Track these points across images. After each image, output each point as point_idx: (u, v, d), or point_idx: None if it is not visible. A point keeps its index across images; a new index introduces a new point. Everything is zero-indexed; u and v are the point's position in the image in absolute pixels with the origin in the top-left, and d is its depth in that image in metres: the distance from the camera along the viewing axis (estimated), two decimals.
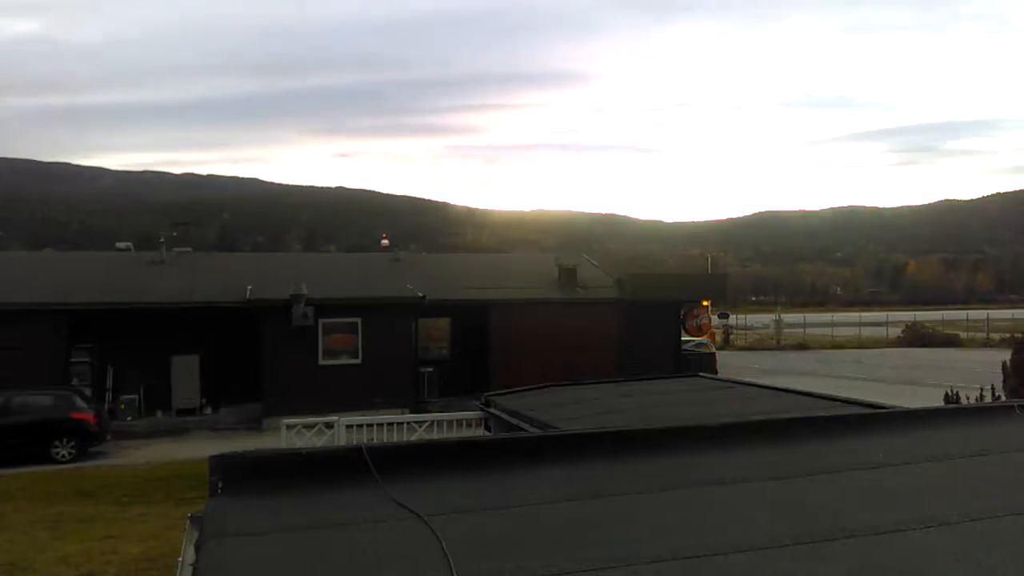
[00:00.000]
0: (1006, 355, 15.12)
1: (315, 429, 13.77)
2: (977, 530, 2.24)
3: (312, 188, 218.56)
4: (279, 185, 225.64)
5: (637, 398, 7.64)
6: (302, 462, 2.71)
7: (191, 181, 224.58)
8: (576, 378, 10.43)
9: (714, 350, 32.01)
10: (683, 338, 28.28)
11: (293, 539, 2.20)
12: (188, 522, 2.37)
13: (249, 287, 22.57)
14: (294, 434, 13.60)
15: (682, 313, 28.03)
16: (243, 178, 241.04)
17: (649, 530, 2.28)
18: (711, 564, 2.01)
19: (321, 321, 22.27)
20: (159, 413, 22.39)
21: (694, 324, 28.95)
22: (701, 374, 10.06)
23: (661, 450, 3.04)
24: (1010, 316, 57.38)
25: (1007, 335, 37.55)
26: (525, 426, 6.88)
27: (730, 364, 31.42)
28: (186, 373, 22.61)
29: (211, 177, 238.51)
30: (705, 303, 29.43)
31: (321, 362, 22.52)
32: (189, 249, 28.79)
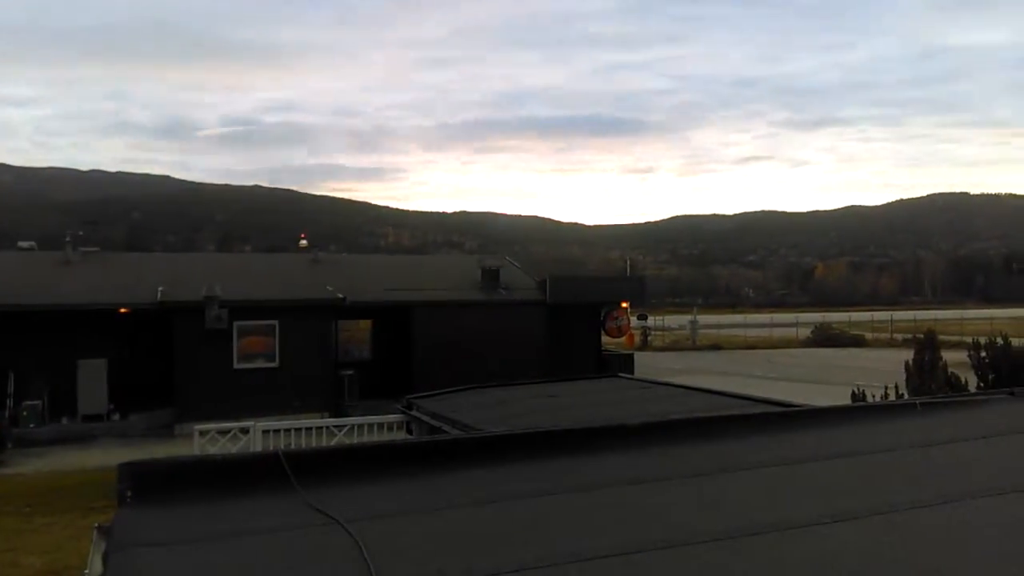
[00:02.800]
0: (909, 355, 15.79)
1: (229, 435, 13.41)
2: (883, 523, 2.33)
3: (227, 187, 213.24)
4: (192, 183, 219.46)
5: (559, 399, 7.71)
6: (216, 469, 2.63)
7: (98, 178, 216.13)
8: (499, 380, 10.46)
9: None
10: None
11: (207, 549, 2.13)
12: (95, 532, 2.28)
13: (160, 288, 21.90)
14: (207, 440, 13.22)
15: (602, 315, 28.44)
16: (154, 175, 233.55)
17: (570, 530, 2.30)
18: (630, 562, 2.04)
19: (236, 323, 21.75)
20: (64, 420, 21.47)
21: (614, 325, 29.40)
22: (621, 374, 10.22)
23: (582, 450, 3.06)
24: (912, 317, 60.08)
25: (909, 336, 39.20)
26: (447, 428, 6.86)
27: (648, 364, 32.00)
28: (93, 378, 21.73)
29: (120, 174, 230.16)
30: (624, 305, 29.90)
31: (236, 366, 21.98)
32: (96, 249, 27.73)
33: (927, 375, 14.79)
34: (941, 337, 16.90)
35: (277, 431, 13.53)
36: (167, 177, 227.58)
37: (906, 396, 13.22)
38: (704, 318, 61.31)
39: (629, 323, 32.25)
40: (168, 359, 21.65)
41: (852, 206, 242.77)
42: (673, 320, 62.55)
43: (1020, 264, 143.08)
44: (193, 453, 11.93)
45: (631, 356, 30.24)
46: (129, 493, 2.42)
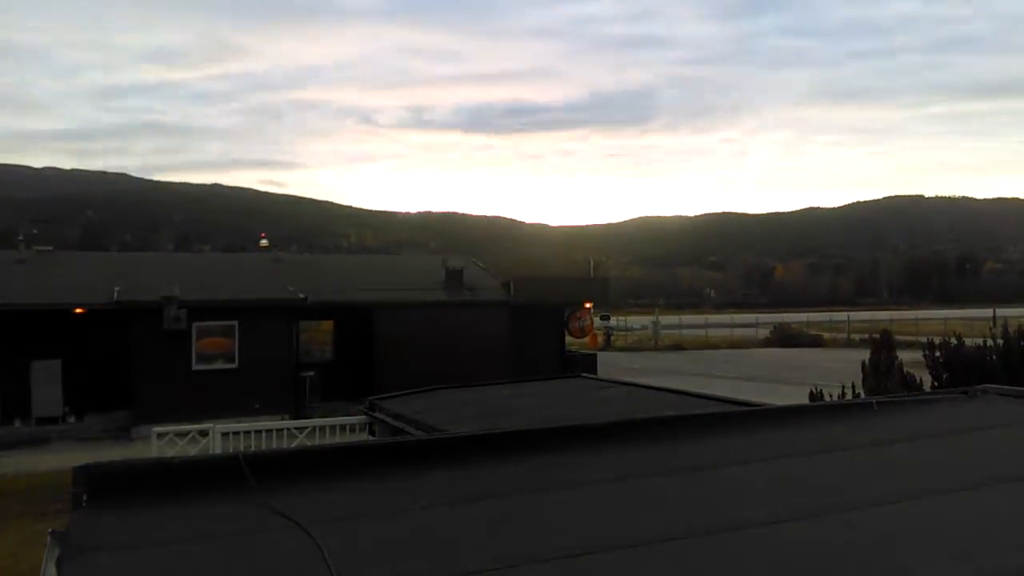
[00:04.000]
0: (865, 355, 16.04)
1: (188, 437, 13.21)
2: (841, 522, 2.37)
3: (185, 185, 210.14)
4: (149, 181, 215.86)
5: (523, 399, 7.72)
6: (174, 472, 2.59)
7: (52, 175, 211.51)
8: (463, 380, 10.43)
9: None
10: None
11: (165, 553, 2.09)
12: (49, 538, 2.22)
13: (117, 288, 21.51)
14: (165, 443, 13.01)
15: (566, 315, 28.55)
16: (110, 173, 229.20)
17: (533, 531, 2.30)
18: (591, 563, 2.04)
19: (195, 324, 21.45)
20: (17, 422, 20.99)
21: (577, 326, 29.53)
22: (584, 374, 10.27)
23: (546, 451, 3.07)
24: (869, 318, 61.15)
25: (866, 336, 39.95)
26: (410, 430, 6.82)
27: (612, 364, 32.18)
28: (47, 379, 21.28)
29: (75, 172, 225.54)
30: (588, 305, 30.05)
31: (195, 367, 21.68)
32: (50, 248, 27.17)
33: (883, 375, 15.04)
34: (897, 337, 17.21)
35: (237, 433, 13.35)
36: (124, 175, 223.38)
37: (863, 395, 13.45)
38: (666, 318, 61.86)
39: (592, 323, 32.43)
40: (125, 360, 21.29)
41: (810, 208, 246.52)
42: (636, 320, 63.03)
43: (973, 265, 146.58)
44: (151, 456, 11.73)
45: (594, 356, 30.40)
46: (84, 497, 2.37)
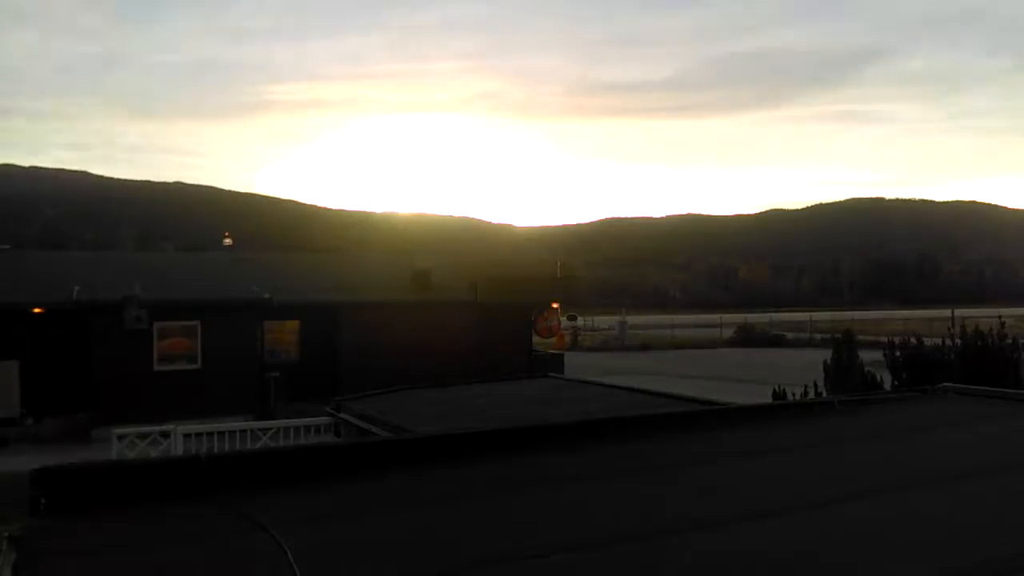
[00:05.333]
0: (827, 354, 16.26)
1: (149, 439, 13.02)
2: (804, 519, 2.39)
3: (147, 183, 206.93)
4: (110, 179, 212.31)
5: (490, 399, 7.71)
6: (135, 474, 2.55)
7: (10, 173, 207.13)
8: (429, 381, 10.40)
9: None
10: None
11: (125, 557, 2.06)
12: (5, 543, 2.17)
13: (76, 287, 21.13)
14: (126, 445, 12.81)
15: (533, 315, 28.61)
16: (70, 170, 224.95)
17: (501, 531, 2.30)
18: (562, 561, 2.05)
19: (156, 324, 21.13)
20: None
21: (544, 326, 29.61)
22: (551, 374, 10.29)
23: (513, 450, 3.07)
24: (830, 318, 62.05)
25: (827, 335, 40.53)
26: (377, 430, 6.79)
27: (579, 364, 32.29)
28: (4, 380, 20.81)
29: (33, 169, 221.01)
30: (555, 305, 30.15)
31: (157, 367, 21.34)
32: (7, 247, 26.62)
33: (844, 374, 15.27)
34: (858, 337, 17.47)
35: (199, 435, 13.18)
36: (84, 173, 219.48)
37: (825, 394, 13.64)
38: (633, 319, 62.22)
39: (559, 323, 32.55)
40: (85, 361, 20.90)
41: (774, 209, 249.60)
42: (602, 321, 63.33)
43: (932, 267, 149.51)
44: (111, 458, 11.54)
45: (561, 356, 30.51)
46: (42, 500, 2.32)
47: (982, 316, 28.92)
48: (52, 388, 21.14)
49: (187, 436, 13.12)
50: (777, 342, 51.89)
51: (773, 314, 74.26)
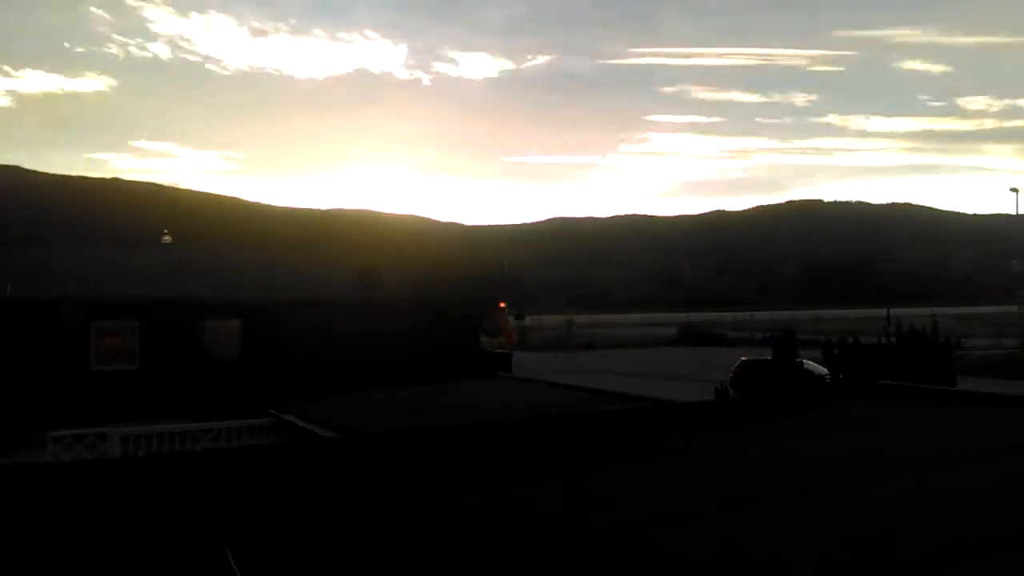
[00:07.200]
0: (768, 352, 16.59)
1: (86, 441, 12.69)
2: (741, 515, 2.43)
3: (83, 179, 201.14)
4: (44, 174, 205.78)
5: (438, 398, 7.69)
6: (70, 477, 2.47)
7: None
8: (375, 381, 10.32)
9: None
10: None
11: (59, 563, 1.99)
12: None
13: (9, 285, 20.47)
14: (61, 447, 12.45)
15: (481, 314, 28.59)
16: (1, 165, 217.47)
17: (448, 531, 2.29)
18: (513, 560, 2.05)
19: (93, 323, 20.58)
20: None
21: (492, 325, 29.61)
22: (498, 373, 10.30)
23: (459, 449, 3.06)
24: (771, 317, 63.33)
25: (768, 334, 41.41)
26: (321, 431, 6.71)
27: (525, 363, 32.39)
28: None
29: None
30: (502, 305, 30.18)
31: (94, 368, 20.78)
32: None
33: (784, 371, 15.61)
34: (798, 336, 17.88)
35: (138, 437, 12.89)
36: (16, 167, 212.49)
37: (765, 392, 13.90)
38: (579, 318, 62.69)
39: (507, 322, 32.59)
40: (19, 361, 20.25)
41: (717, 211, 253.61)
42: (549, 319, 63.62)
43: (868, 267, 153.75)
44: (45, 461, 11.20)
45: (509, 355, 30.55)
46: None
47: (916, 315, 29.84)
48: None
49: (125, 438, 12.82)
50: (720, 341, 52.79)
51: (715, 313, 75.50)
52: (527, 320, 55.49)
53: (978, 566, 2.05)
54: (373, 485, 2.69)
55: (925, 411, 4.22)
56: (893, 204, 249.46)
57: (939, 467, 3.06)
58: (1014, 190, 47.42)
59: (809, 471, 3.02)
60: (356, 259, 27.95)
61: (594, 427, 3.51)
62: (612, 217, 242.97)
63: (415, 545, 2.16)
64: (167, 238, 36.16)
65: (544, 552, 2.11)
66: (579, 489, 2.74)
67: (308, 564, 2.03)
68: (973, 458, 3.15)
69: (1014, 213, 59.88)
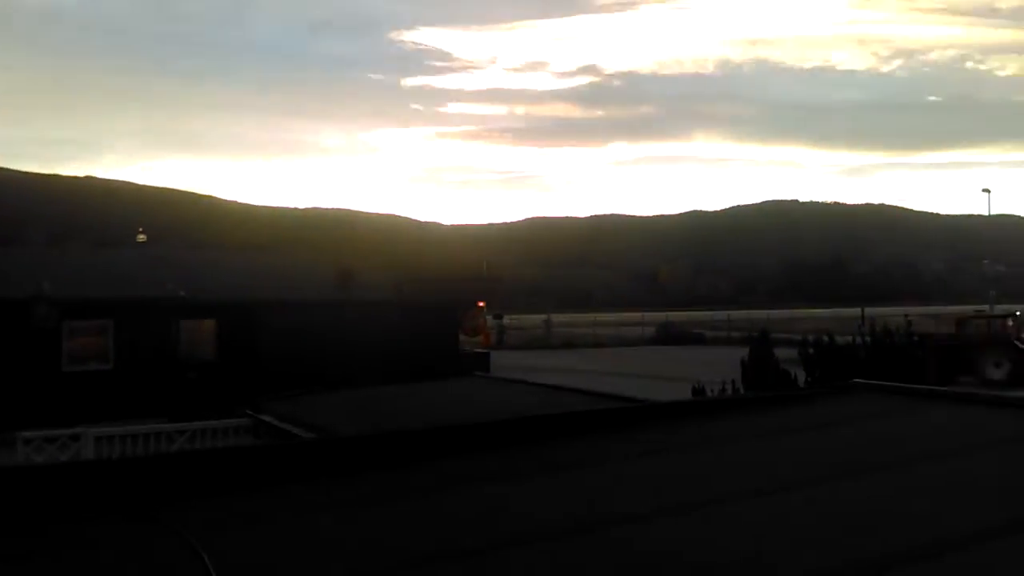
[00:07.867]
0: (744, 352, 16.72)
1: (58, 443, 12.52)
2: (716, 513, 2.45)
3: (56, 177, 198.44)
4: (16, 172, 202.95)
5: (416, 399, 7.67)
6: (42, 479, 2.44)
7: None
8: (353, 382, 10.27)
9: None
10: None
11: (29, 567, 1.97)
12: None
13: None
14: (32, 449, 12.28)
15: (459, 314, 28.56)
16: None
17: (420, 533, 2.29)
18: (485, 561, 2.05)
19: (66, 323, 20.34)
20: None
21: (470, 324, 29.60)
22: (477, 373, 10.30)
23: (437, 449, 3.05)
24: (747, 317, 63.75)
25: (745, 334, 41.71)
26: (298, 432, 6.68)
27: (504, 363, 32.39)
28: None
29: None
30: (481, 304, 30.18)
31: (66, 368, 20.54)
32: None
33: (761, 371, 15.74)
34: (773, 335, 18.02)
35: (112, 438, 12.74)
36: None
37: (741, 391, 14.01)
38: (558, 317, 62.81)
39: (485, 322, 32.59)
40: None
41: (694, 211, 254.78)
42: (528, 319, 63.68)
43: (843, 267, 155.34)
44: (16, 463, 11.05)
45: (487, 355, 30.53)
46: None
47: (890, 314, 30.15)
48: None
49: (99, 439, 12.68)
50: (697, 340, 53.10)
51: (693, 313, 75.90)
52: (506, 320, 55.48)
53: (960, 560, 2.08)
54: (350, 487, 2.68)
55: (898, 408, 4.27)
56: (867, 204, 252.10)
57: (912, 464, 3.10)
58: (986, 191, 47.96)
59: (784, 468, 3.05)
60: (334, 258, 27.82)
61: (569, 425, 3.52)
62: (591, 217, 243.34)
63: (400, 546, 2.16)
64: (142, 237, 35.80)
65: (518, 551, 2.12)
66: (552, 489, 2.75)
67: (281, 567, 2.02)
68: (952, 454, 3.20)
69: (987, 214, 60.67)
